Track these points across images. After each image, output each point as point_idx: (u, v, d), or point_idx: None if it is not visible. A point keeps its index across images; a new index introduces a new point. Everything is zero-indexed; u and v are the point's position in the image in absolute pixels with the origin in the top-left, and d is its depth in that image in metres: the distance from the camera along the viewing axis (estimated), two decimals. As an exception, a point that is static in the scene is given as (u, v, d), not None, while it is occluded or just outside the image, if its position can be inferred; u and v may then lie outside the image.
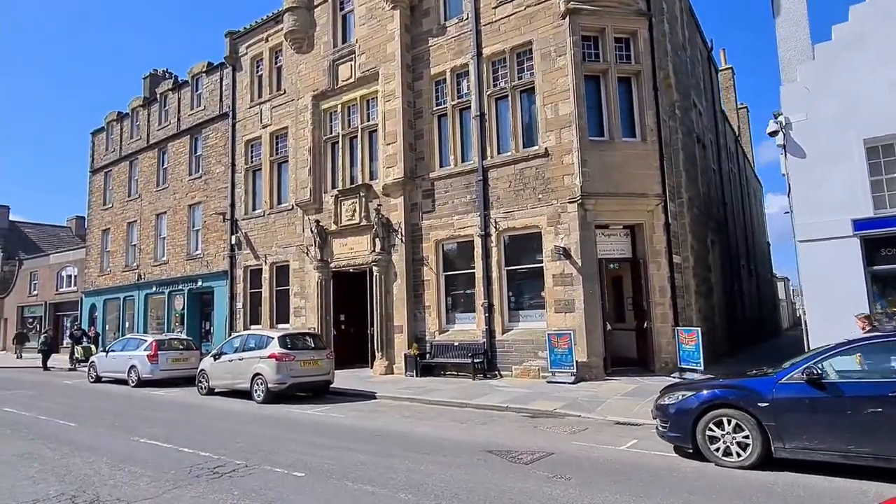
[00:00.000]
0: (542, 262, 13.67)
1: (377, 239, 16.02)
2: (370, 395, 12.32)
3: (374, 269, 16.08)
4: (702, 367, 11.96)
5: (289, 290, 19.08)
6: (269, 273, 19.75)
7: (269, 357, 11.54)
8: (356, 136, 17.40)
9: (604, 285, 13.17)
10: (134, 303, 25.52)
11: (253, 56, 21.39)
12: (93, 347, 23.96)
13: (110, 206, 28.06)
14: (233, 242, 20.83)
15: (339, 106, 17.76)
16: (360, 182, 16.99)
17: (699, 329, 12.23)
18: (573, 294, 12.92)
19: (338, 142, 17.85)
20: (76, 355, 22.90)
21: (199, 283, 22.34)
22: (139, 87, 29.71)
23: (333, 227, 17.36)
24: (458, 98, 15.53)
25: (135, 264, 25.95)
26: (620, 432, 7.92)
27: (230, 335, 20.26)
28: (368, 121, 17.18)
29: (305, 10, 18.71)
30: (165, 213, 24.54)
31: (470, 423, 9.01)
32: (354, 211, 16.89)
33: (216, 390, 13.10)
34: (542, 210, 13.58)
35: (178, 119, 24.38)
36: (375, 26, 16.86)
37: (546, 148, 13.62)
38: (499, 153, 14.62)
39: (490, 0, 14.98)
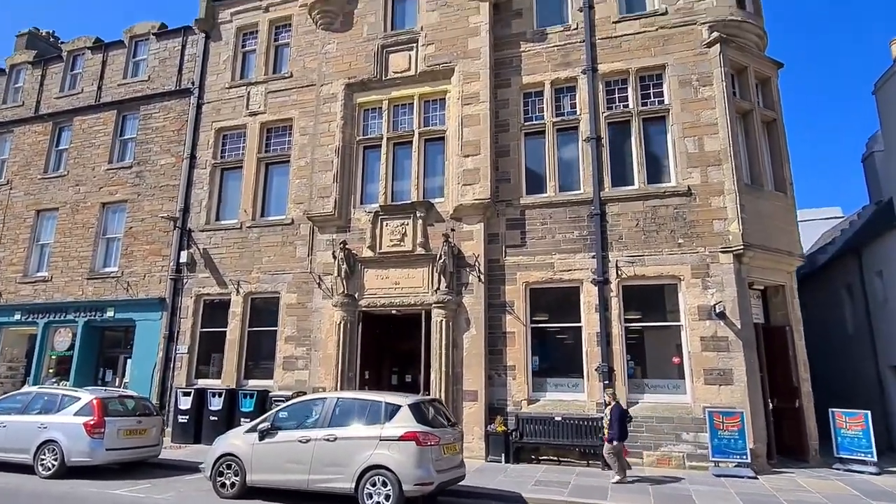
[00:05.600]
0: (676, 319, 11.28)
1: (442, 275, 12.25)
2: (513, 499, 8.37)
3: (437, 313, 12.18)
4: (874, 458, 10.28)
5: (275, 332, 13.93)
6: (242, 307, 14.36)
7: (402, 439, 7.13)
8: (409, 143, 13.71)
9: (762, 354, 11.08)
10: (-27, 335, 17.22)
11: (241, 26, 16.64)
12: None
13: (-53, 191, 19.45)
14: (183, 260, 15.03)
15: (386, 102, 14.00)
16: (412, 199, 13.19)
17: (868, 412, 10.62)
18: (730, 363, 10.61)
19: (379, 146, 13.92)
20: None
21: (110, 314, 15.66)
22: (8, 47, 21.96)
23: (369, 254, 13.10)
24: (558, 115, 12.98)
25: (-18, 278, 17.82)
26: None
27: (161, 389, 14.26)
28: (427, 125, 13.69)
29: (343, -19, 14.96)
30: (56, 209, 17.42)
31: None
32: (404, 235, 12.93)
33: (257, 487, 7.95)
34: (684, 258, 11.31)
35: (99, 88, 17.96)
36: (451, 15, 13.81)
37: (689, 186, 11.57)
38: (614, 185, 12.21)
39: (608, 13, 13.02)
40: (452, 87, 13.46)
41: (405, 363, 14.39)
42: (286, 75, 15.63)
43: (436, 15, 13.98)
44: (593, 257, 11.82)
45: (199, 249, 15.17)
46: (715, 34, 12.02)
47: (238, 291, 14.45)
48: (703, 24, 12.29)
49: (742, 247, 10.87)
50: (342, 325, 12.77)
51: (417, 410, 7.53)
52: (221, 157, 15.90)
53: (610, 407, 9.66)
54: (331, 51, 14.71)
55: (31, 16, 68.33)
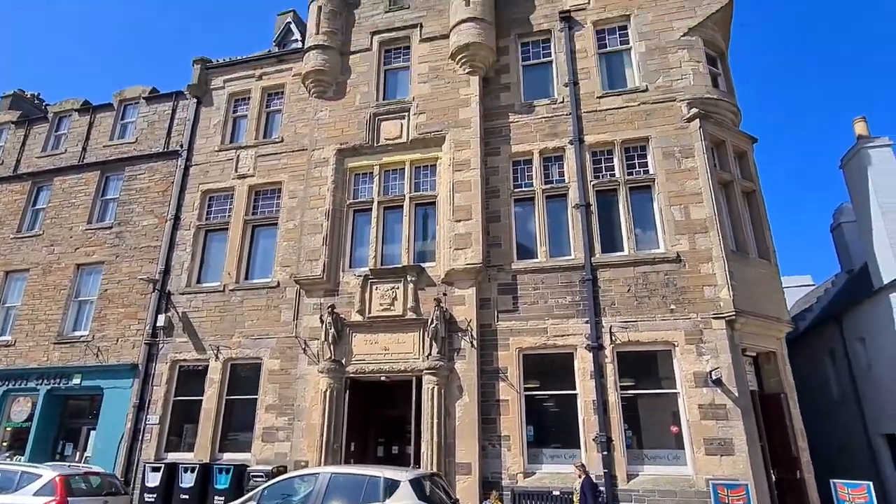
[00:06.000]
0: (672, 386, 11.13)
1: (434, 340, 11.98)
2: (517, 583, 7.78)
3: (428, 379, 11.79)
4: (879, 532, 10.01)
5: (255, 401, 13.25)
6: (221, 373, 13.71)
7: (403, 520, 6.65)
8: (399, 207, 13.77)
9: (760, 423, 10.92)
10: (-80, 404, 15.91)
11: (233, 92, 16.95)
12: None
13: None
14: (160, 324, 14.42)
15: (377, 167, 14.17)
16: (403, 263, 13.08)
17: (870, 483, 10.43)
18: (730, 432, 10.42)
19: (369, 209, 13.94)
20: None
21: (76, 381, 14.76)
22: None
23: (357, 318, 12.79)
24: (547, 183, 13.30)
25: (-63, 342, 16.71)
26: None
27: (127, 464, 13.27)
28: (418, 191, 13.83)
29: (337, 53, 15.49)
30: (26, 270, 16.74)
31: None
32: (395, 299, 12.72)
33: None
34: (677, 324, 11.33)
35: (84, 149, 17.83)
36: (443, 87, 14.33)
37: (678, 253, 11.79)
38: (604, 251, 12.35)
39: (592, 89, 13.69)
40: (443, 154, 13.74)
41: (392, 433, 13.75)
42: (277, 140, 15.81)
43: (427, 87, 14.50)
44: (586, 322, 11.76)
45: (177, 313, 14.61)
46: (694, 110, 12.68)
47: (217, 357, 13.82)
48: (682, 100, 13.00)
49: (734, 313, 10.97)
50: (328, 392, 12.22)
51: (418, 486, 7.08)
52: (207, 219, 15.68)
53: (580, 480, 9.69)
54: (323, 117, 15.00)
55: (18, 79, 68.99)
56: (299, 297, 13.67)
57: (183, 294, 14.82)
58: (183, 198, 15.93)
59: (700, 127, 12.50)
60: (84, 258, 16.23)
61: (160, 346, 14.41)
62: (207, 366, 13.86)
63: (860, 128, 15.06)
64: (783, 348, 11.99)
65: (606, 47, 14.31)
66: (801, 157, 72.31)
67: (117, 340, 14.88)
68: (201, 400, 13.58)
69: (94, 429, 14.49)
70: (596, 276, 12.09)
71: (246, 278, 14.74)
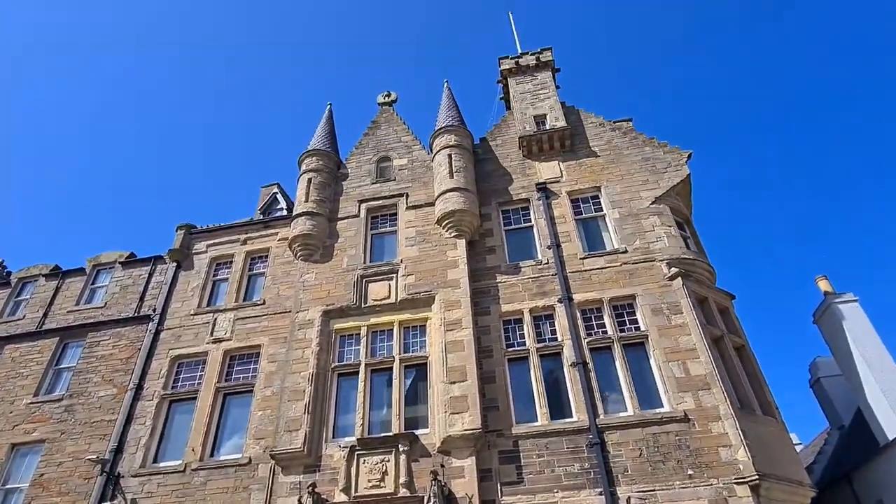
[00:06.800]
0: (705, 570, 9.82)
1: (432, 521, 10.51)
2: None
3: (427, 574, 10.06)
4: None
5: None
6: (171, 578, 11.37)
7: None
8: (388, 369, 13.08)
9: None
10: None
11: (216, 256, 16.88)
12: None
13: None
14: (102, 516, 12.26)
15: (364, 328, 13.74)
16: (393, 431, 12.00)
17: None
18: None
19: (355, 373, 13.16)
20: None
21: None
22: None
23: (342, 499, 11.24)
24: (540, 342, 13.08)
25: None
26: None
27: None
28: (408, 352, 13.31)
29: (325, 220, 15.97)
30: (-53, 454, 14.43)
31: None
32: (385, 473, 11.39)
33: None
34: (699, 492, 10.41)
35: (45, 314, 16.78)
36: (430, 250, 14.70)
37: (685, 412, 11.32)
38: (608, 412, 11.77)
39: (574, 251, 14.31)
40: (433, 315, 13.55)
41: None
42: (258, 302, 15.39)
43: (415, 249, 14.84)
44: (600, 494, 10.66)
45: (125, 500, 12.55)
46: (674, 269, 13.26)
47: (168, 557, 11.60)
48: (661, 260, 13.65)
49: (756, 477, 10.21)
50: None
51: None
52: (173, 388, 14.39)
53: None
54: (309, 279, 14.87)
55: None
56: (273, 476, 12.08)
57: (135, 476, 12.89)
58: (149, 365, 14.76)
59: (683, 284, 12.96)
60: (22, 437, 14.24)
61: (98, 544, 12.08)
62: (155, 569, 11.55)
63: (824, 285, 16.01)
64: (812, 516, 11.06)
65: (582, 214, 15.33)
66: (757, 314, 75.74)
67: (45, 540, 12.43)
68: None
69: None
70: (603, 439, 11.31)
71: (212, 455, 13.10)
